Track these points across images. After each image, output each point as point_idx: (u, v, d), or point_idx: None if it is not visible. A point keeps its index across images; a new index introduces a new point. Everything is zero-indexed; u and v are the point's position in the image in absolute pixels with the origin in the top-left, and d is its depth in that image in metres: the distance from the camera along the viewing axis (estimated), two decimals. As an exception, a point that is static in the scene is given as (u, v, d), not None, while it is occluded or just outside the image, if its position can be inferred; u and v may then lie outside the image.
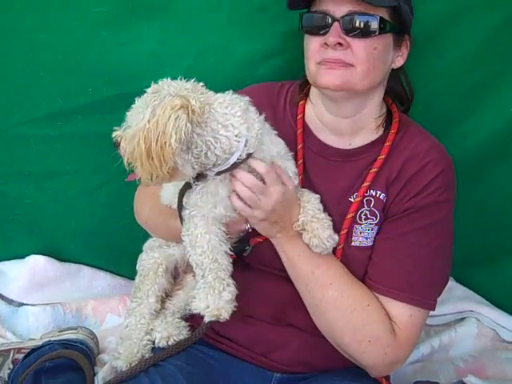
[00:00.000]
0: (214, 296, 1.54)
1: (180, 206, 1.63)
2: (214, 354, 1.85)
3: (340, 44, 1.59)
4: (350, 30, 1.59)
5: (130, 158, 1.46)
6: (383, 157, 1.72)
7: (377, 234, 1.72)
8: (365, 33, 1.60)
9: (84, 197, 2.40)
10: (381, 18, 1.60)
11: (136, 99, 1.51)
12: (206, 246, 1.58)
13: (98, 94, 2.14)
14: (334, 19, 1.59)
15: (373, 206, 1.72)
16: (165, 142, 1.39)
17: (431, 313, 2.35)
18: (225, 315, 1.54)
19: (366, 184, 1.72)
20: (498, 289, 2.47)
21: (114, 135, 1.52)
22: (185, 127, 1.40)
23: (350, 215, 1.71)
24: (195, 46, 2.06)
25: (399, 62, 1.75)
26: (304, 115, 1.82)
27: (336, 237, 1.66)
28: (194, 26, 2.04)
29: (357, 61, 1.61)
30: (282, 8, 1.90)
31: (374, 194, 1.72)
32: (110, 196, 2.38)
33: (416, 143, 1.74)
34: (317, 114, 1.80)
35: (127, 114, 1.51)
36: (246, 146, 1.52)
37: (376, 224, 1.72)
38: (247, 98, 1.57)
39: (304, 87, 1.84)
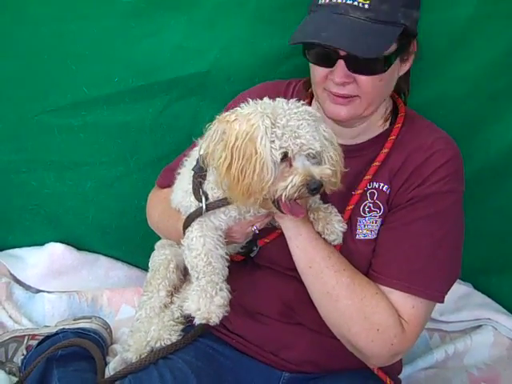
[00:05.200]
0: (205, 299, 1.56)
1: (186, 226, 1.65)
2: (224, 350, 1.85)
3: (346, 82, 1.59)
4: (356, 69, 1.57)
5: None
6: (386, 151, 1.71)
7: (381, 225, 1.71)
8: (371, 71, 1.58)
9: (103, 189, 2.41)
10: (386, 56, 1.58)
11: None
12: (200, 248, 1.60)
13: (122, 84, 2.16)
14: (339, 56, 1.56)
15: (376, 199, 1.71)
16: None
17: (447, 318, 2.40)
18: (215, 319, 1.56)
19: (367, 177, 1.71)
20: (517, 298, 2.45)
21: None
22: None
23: (349, 207, 1.70)
24: (220, 41, 2.07)
25: (405, 69, 1.73)
26: None
27: (345, 224, 1.65)
28: (220, 20, 2.06)
29: (362, 93, 1.61)
30: (306, 7, 1.91)
31: (377, 186, 1.71)
32: (129, 189, 2.40)
33: (421, 136, 1.73)
34: (322, 114, 1.77)
35: None
36: None
37: (380, 216, 1.71)
38: None
39: (308, 86, 1.83)
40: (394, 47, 1.59)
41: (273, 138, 1.43)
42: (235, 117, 1.47)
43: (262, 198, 1.47)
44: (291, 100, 1.52)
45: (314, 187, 1.43)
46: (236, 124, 1.45)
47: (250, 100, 1.53)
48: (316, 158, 1.49)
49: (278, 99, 1.53)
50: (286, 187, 1.43)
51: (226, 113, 1.50)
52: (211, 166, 1.52)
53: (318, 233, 1.65)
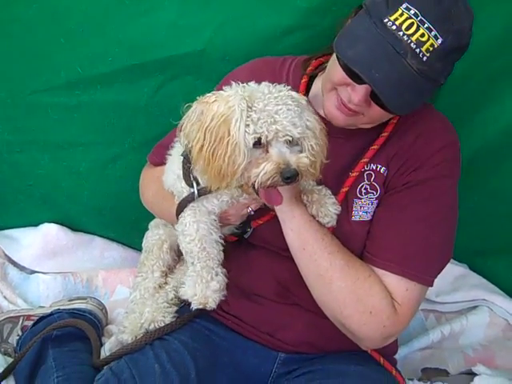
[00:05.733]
0: (201, 285, 1.57)
1: (179, 211, 1.64)
2: (219, 331, 1.85)
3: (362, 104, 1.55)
4: (376, 100, 1.52)
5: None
6: (386, 134, 1.69)
7: (377, 207, 1.71)
8: (390, 110, 1.54)
9: (98, 170, 2.39)
10: None
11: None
12: (194, 234, 1.60)
13: (117, 63, 2.12)
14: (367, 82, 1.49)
15: (373, 180, 1.70)
16: None
17: (443, 299, 2.41)
18: (211, 304, 1.57)
19: (364, 160, 1.69)
20: (513, 279, 2.46)
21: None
22: None
23: (344, 189, 1.69)
24: (215, 19, 2.03)
25: None
26: (306, 93, 1.79)
27: (339, 206, 1.64)
28: (215, -2, 2.02)
29: (369, 116, 1.58)
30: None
31: (374, 167, 1.70)
32: (123, 170, 2.37)
33: (420, 119, 1.71)
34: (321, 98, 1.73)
35: None
36: None
37: (376, 198, 1.70)
38: None
39: (308, 65, 1.81)
40: None
41: (248, 121, 1.40)
42: (215, 98, 1.45)
43: (238, 182, 1.45)
44: (276, 84, 1.49)
45: (287, 176, 1.40)
46: (215, 105, 1.43)
47: (233, 82, 1.50)
48: (299, 146, 1.47)
49: (263, 83, 1.49)
50: (259, 174, 1.41)
51: (208, 94, 1.48)
52: (187, 146, 1.49)
53: (312, 215, 1.64)
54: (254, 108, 1.41)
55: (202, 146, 1.41)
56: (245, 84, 1.49)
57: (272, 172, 1.40)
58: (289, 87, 1.49)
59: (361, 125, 1.64)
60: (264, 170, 1.40)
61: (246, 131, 1.40)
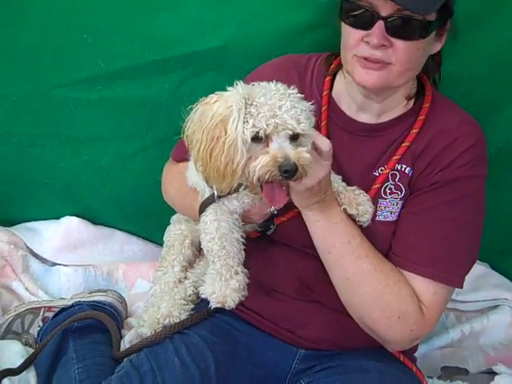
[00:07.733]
0: (220, 283, 1.55)
1: (201, 212, 1.64)
2: (239, 326, 1.85)
3: (383, 45, 1.53)
4: (394, 32, 1.51)
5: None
6: (416, 131, 1.68)
7: (402, 208, 1.69)
8: (411, 37, 1.53)
9: (119, 164, 2.41)
10: (428, 21, 1.53)
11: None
12: (214, 232, 1.59)
13: (139, 59, 2.12)
14: (379, 17, 1.50)
15: (398, 180, 1.69)
16: None
17: (464, 298, 2.39)
18: (230, 303, 1.54)
19: (396, 157, 1.68)
20: (535, 278, 2.43)
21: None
22: None
23: (375, 186, 1.68)
24: (237, 14, 2.02)
25: (437, 47, 1.68)
26: (330, 91, 1.78)
27: (372, 203, 1.64)
28: (237, -7, 2.01)
29: (397, 60, 1.55)
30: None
31: (399, 167, 1.69)
32: (144, 165, 2.38)
33: (446, 117, 1.69)
34: (348, 90, 1.74)
35: None
36: None
37: (401, 198, 1.69)
38: None
39: (330, 62, 1.79)
40: (433, 17, 1.55)
41: (247, 117, 1.39)
42: (216, 98, 1.44)
43: (241, 182, 1.46)
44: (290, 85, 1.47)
45: (285, 169, 1.36)
46: (215, 105, 1.41)
47: (240, 82, 1.48)
48: (305, 146, 1.44)
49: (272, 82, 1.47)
50: (256, 167, 1.39)
51: (211, 95, 1.47)
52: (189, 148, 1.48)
53: (351, 215, 1.63)
54: (254, 103, 1.40)
55: (200, 146, 1.41)
56: (253, 83, 1.48)
57: (269, 165, 1.37)
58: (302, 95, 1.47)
59: (394, 80, 1.59)
60: (261, 163, 1.38)
61: (244, 127, 1.38)
